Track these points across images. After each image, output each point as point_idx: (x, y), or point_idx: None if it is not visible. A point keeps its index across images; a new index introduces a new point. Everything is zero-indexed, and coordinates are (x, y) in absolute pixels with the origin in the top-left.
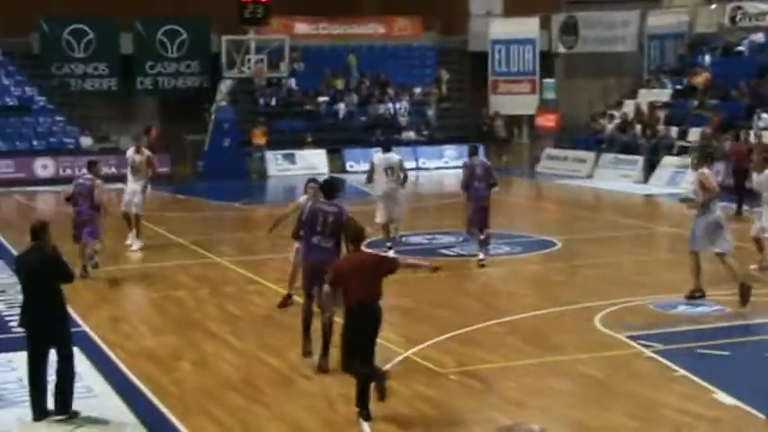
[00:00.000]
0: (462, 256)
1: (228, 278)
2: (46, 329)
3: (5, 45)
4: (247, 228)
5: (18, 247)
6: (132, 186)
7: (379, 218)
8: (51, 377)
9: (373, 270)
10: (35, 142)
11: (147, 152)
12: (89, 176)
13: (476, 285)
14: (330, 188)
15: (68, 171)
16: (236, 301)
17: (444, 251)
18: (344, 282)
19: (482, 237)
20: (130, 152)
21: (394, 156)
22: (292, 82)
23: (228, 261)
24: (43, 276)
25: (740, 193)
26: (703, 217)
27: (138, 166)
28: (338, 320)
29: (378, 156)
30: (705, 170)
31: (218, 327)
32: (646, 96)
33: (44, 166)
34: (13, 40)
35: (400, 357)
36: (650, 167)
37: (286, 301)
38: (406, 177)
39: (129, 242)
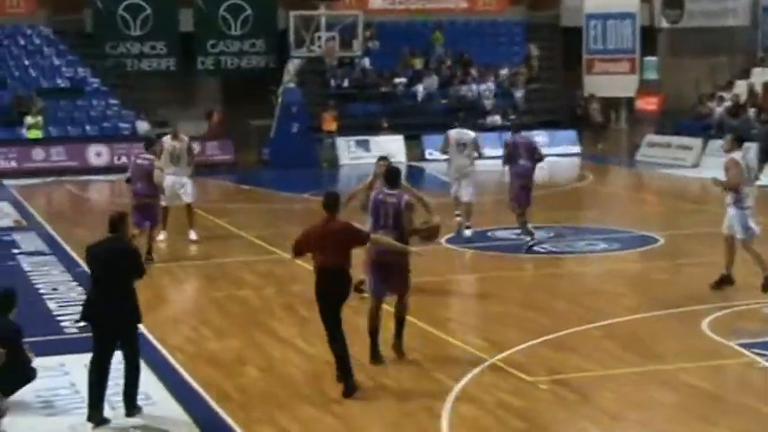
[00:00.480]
0: (554, 252)
1: (297, 276)
2: (116, 325)
3: (56, 23)
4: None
5: (71, 241)
6: (173, 179)
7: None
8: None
9: (342, 239)
10: (88, 127)
11: (186, 138)
12: (148, 156)
13: (569, 285)
14: (392, 176)
15: (123, 159)
16: (305, 302)
17: (534, 248)
18: (310, 248)
19: (522, 218)
20: (168, 139)
21: (469, 132)
22: (366, 61)
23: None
24: (118, 269)
25: None
26: (737, 206)
27: (180, 153)
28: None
29: (453, 130)
30: (735, 154)
31: (285, 329)
32: (760, 76)
33: (98, 154)
34: (65, 18)
35: (485, 364)
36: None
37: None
38: (479, 156)
39: (161, 237)
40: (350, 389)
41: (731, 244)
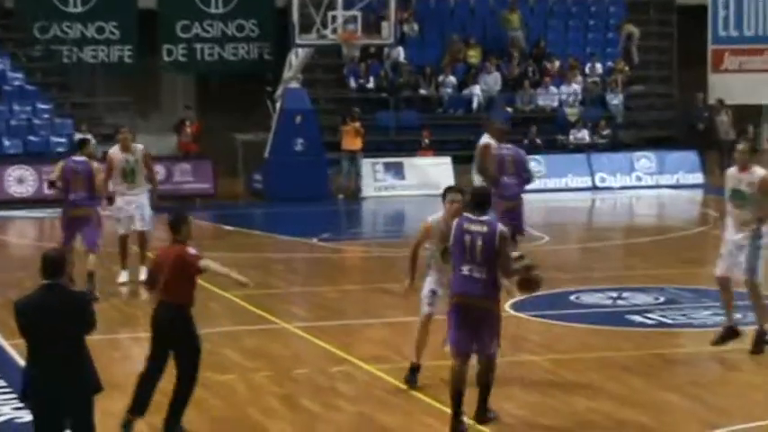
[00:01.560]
0: (665, 325)
1: (300, 354)
2: (65, 400)
3: None
4: (330, 277)
5: None
6: (128, 199)
7: None
8: None
9: (179, 267)
10: (7, 142)
11: (140, 147)
12: (81, 159)
13: (685, 372)
14: (481, 198)
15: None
16: (311, 391)
17: (635, 317)
18: (161, 274)
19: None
20: (114, 151)
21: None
22: (400, 53)
23: (300, 328)
24: (64, 326)
25: None
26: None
27: (134, 168)
28: None
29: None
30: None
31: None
32: None
33: (20, 180)
34: None
35: None
36: None
37: (413, 376)
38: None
39: (122, 279)
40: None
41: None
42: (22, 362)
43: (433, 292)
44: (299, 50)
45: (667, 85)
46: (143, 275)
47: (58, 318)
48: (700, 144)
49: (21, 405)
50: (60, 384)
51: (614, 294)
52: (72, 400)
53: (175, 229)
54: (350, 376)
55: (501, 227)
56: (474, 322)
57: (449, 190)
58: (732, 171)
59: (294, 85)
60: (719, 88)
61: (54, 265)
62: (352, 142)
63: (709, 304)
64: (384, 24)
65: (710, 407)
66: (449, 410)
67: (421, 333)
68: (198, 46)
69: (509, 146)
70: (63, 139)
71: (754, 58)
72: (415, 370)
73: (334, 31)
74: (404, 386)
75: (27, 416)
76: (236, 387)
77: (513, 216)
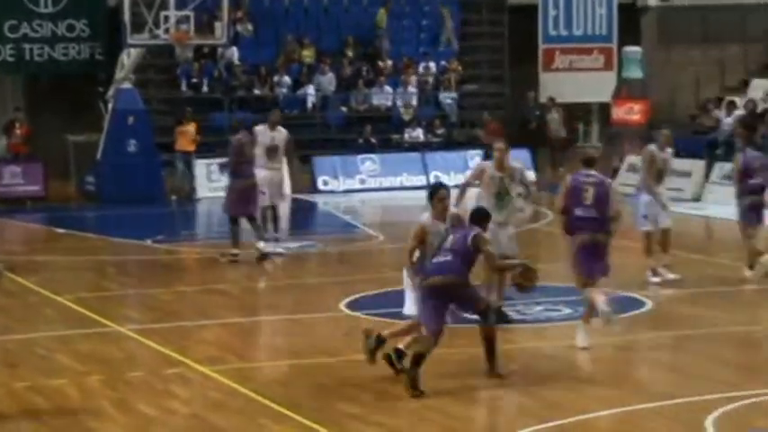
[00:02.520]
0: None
1: (134, 357)
2: None
3: None
4: (165, 279)
5: None
6: None
7: None
8: None
9: None
10: None
11: None
12: None
13: (519, 368)
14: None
15: None
16: (146, 395)
17: (468, 314)
18: None
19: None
20: None
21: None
22: (234, 53)
23: (134, 330)
24: None
25: None
26: None
27: None
28: None
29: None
30: None
31: None
32: None
33: None
34: None
35: None
36: None
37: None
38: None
39: None
40: None
41: None
42: None
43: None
44: (131, 50)
45: (499, 84)
46: None
47: None
48: (532, 142)
49: None
50: None
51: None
52: None
53: None
54: (184, 378)
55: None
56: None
57: (436, 189)
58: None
59: (126, 85)
60: (550, 87)
61: None
62: (187, 143)
63: (541, 300)
64: (217, 24)
65: (542, 401)
66: (283, 410)
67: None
68: (27, 46)
69: None
70: None
71: (582, 57)
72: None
73: (167, 31)
74: (239, 387)
75: None
76: (68, 392)
77: None
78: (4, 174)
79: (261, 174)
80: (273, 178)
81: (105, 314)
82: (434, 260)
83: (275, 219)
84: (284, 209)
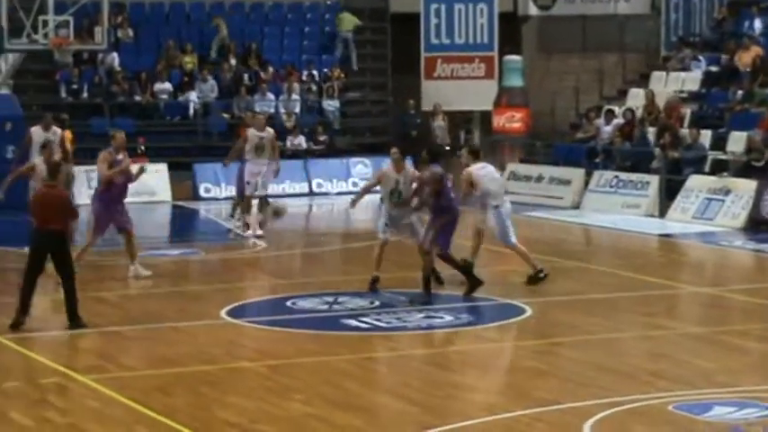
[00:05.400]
0: (379, 329)
1: (10, 367)
2: None
3: None
4: (42, 287)
5: None
6: None
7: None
8: None
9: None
10: None
11: None
12: None
13: (398, 374)
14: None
15: None
16: (23, 405)
17: (350, 321)
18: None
19: None
20: None
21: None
22: (115, 59)
23: (12, 339)
24: None
25: None
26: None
27: None
28: None
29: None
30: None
31: None
32: (663, 83)
33: None
34: None
35: None
36: (669, 193)
37: (374, 285)
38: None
39: None
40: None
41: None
42: None
43: (386, 224)
44: (9, 56)
45: (382, 91)
46: None
47: None
48: (413, 150)
49: None
50: None
51: (330, 299)
52: None
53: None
54: (62, 390)
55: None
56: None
57: (392, 148)
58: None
59: (4, 91)
60: (432, 94)
61: None
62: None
63: (423, 307)
64: (97, 29)
65: (423, 408)
66: (161, 419)
67: (378, 253)
68: None
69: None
70: None
71: (463, 65)
72: (375, 280)
73: (46, 35)
74: (117, 396)
75: None
76: None
77: None
78: None
79: (249, 168)
80: (260, 171)
81: None
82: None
83: (248, 209)
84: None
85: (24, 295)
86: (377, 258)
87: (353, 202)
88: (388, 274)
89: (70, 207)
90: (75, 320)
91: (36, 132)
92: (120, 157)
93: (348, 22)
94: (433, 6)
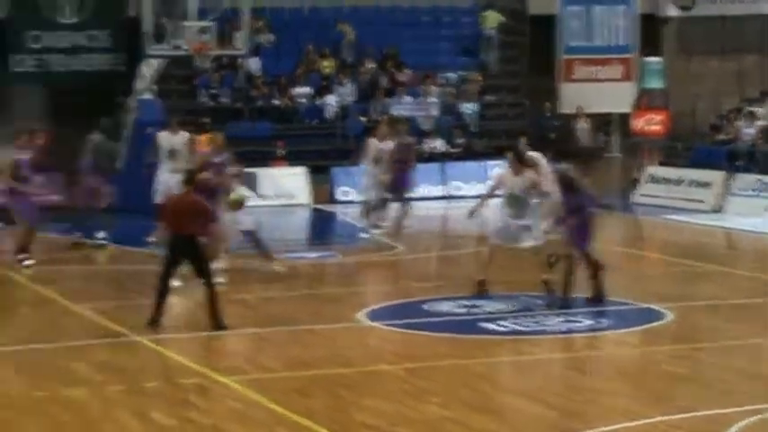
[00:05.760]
0: (519, 333)
1: (151, 367)
2: None
3: None
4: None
5: None
6: None
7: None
8: None
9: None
10: None
11: None
12: None
13: (538, 379)
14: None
15: None
16: (165, 405)
17: (488, 325)
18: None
19: None
20: None
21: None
22: (255, 63)
23: (152, 340)
24: None
25: None
26: None
27: None
28: None
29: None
30: None
31: None
32: None
33: None
34: None
35: None
36: None
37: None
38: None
39: None
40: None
41: None
42: None
43: (500, 228)
44: (152, 61)
45: (520, 93)
46: None
47: None
48: (553, 153)
49: None
50: None
51: (468, 303)
52: None
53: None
54: (203, 390)
55: None
56: None
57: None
58: None
59: (147, 96)
60: (570, 97)
61: None
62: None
63: (563, 312)
64: (237, 35)
65: (561, 412)
66: (302, 420)
67: (488, 256)
68: (48, 57)
69: None
70: None
71: (601, 68)
72: (481, 283)
73: (187, 41)
74: (259, 397)
75: None
76: (87, 402)
77: None
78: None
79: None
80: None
81: (122, 322)
82: None
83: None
84: None
85: (159, 297)
86: (486, 262)
87: (471, 213)
88: (523, 276)
89: (205, 212)
90: (216, 322)
91: (163, 137)
92: (219, 159)
93: (492, 19)
94: (571, 8)
